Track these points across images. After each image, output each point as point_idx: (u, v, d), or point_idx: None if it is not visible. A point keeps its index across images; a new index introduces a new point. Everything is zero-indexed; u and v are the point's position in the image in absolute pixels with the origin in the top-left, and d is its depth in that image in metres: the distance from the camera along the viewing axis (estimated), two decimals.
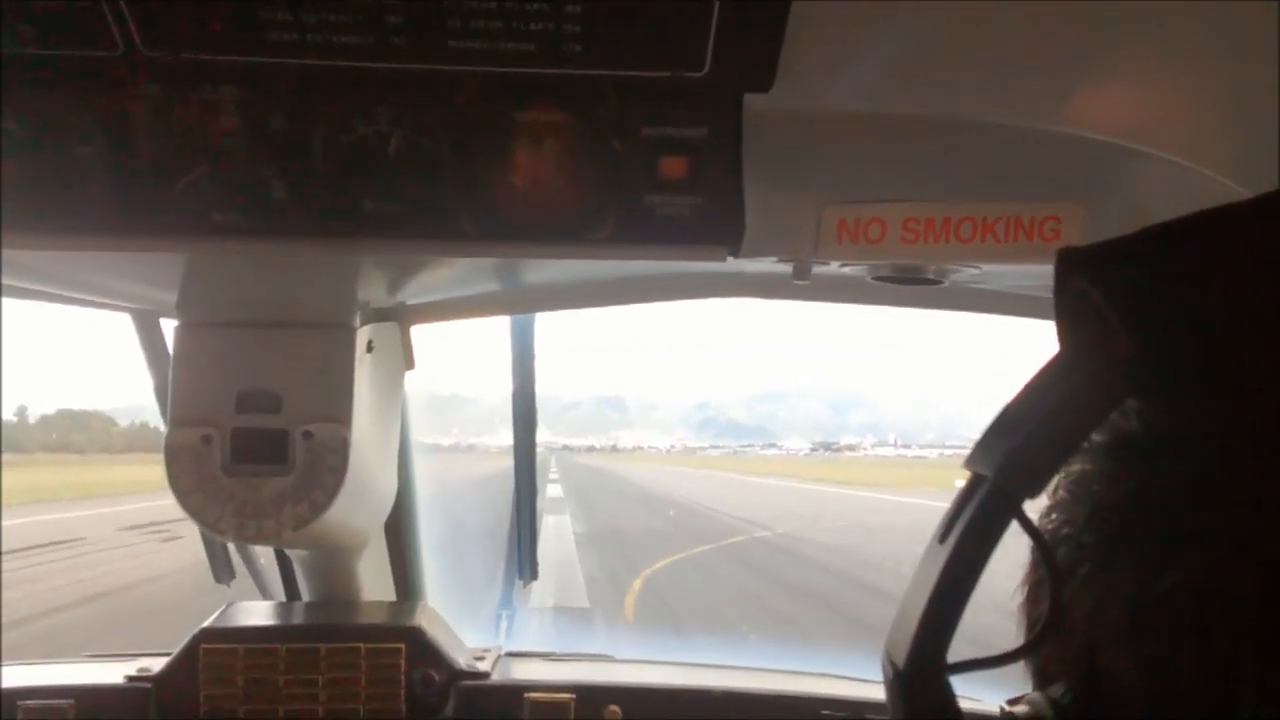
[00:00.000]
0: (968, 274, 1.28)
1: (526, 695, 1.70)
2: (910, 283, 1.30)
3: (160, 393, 1.75)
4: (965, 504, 0.52)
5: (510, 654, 1.89)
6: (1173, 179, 1.10)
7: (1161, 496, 0.49)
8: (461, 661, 1.72)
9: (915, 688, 0.51)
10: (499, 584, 2.34)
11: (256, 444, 1.38)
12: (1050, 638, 0.52)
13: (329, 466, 1.38)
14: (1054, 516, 0.54)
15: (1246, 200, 0.51)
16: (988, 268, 1.24)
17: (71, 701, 1.64)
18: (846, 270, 1.29)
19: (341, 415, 1.39)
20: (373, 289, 1.44)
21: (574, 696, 1.71)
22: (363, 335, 1.44)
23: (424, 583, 1.99)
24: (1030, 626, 0.56)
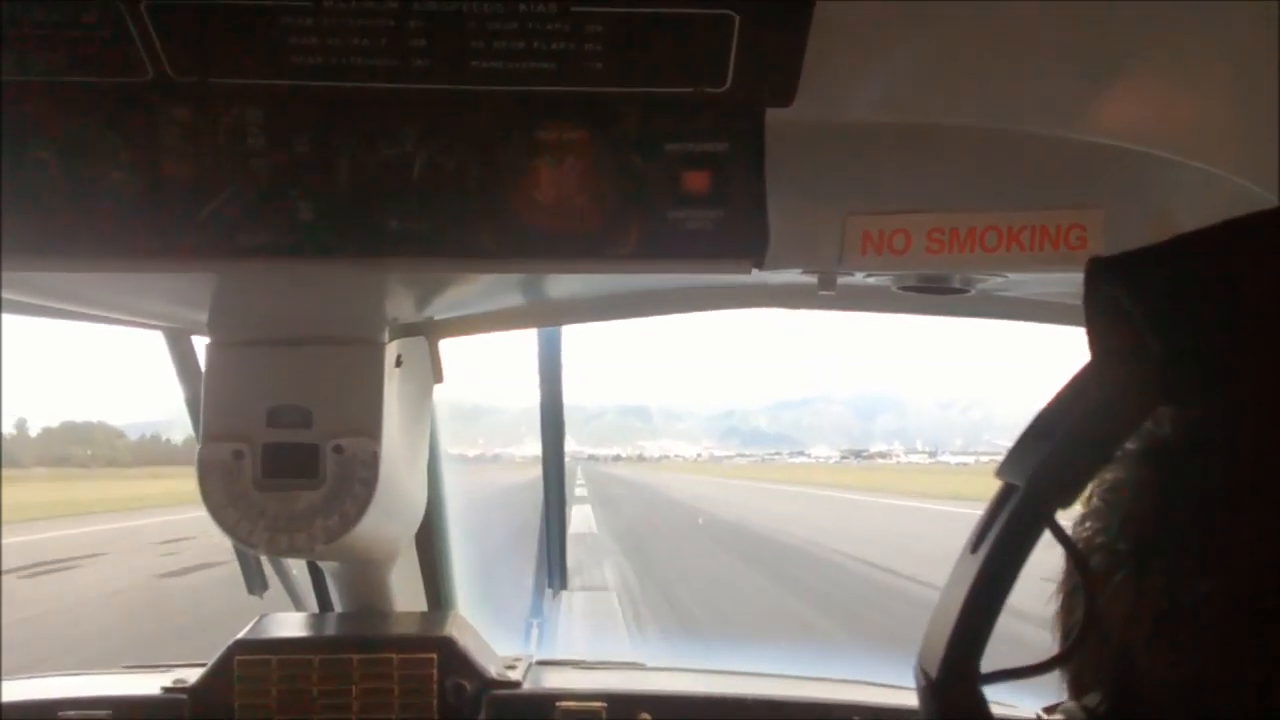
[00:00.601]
0: (994, 282, 1.28)
1: (558, 704, 1.71)
2: (936, 292, 1.30)
3: (192, 409, 1.78)
4: (997, 514, 0.52)
5: (541, 662, 1.89)
6: (1196, 184, 1.10)
7: (1194, 503, 0.49)
8: (493, 670, 1.73)
9: (948, 697, 0.51)
10: (529, 593, 2.35)
11: (287, 459, 1.39)
12: (1085, 646, 0.52)
13: (360, 479, 1.39)
14: (1088, 525, 0.54)
15: (1276, 208, 0.52)
16: (1014, 276, 1.24)
17: (109, 712, 1.66)
18: (871, 280, 1.29)
19: (371, 429, 1.40)
20: (400, 305, 1.46)
21: (605, 705, 1.71)
22: (391, 350, 1.45)
23: (455, 592, 2.00)
24: (1065, 635, 0.56)
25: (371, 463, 1.39)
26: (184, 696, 1.67)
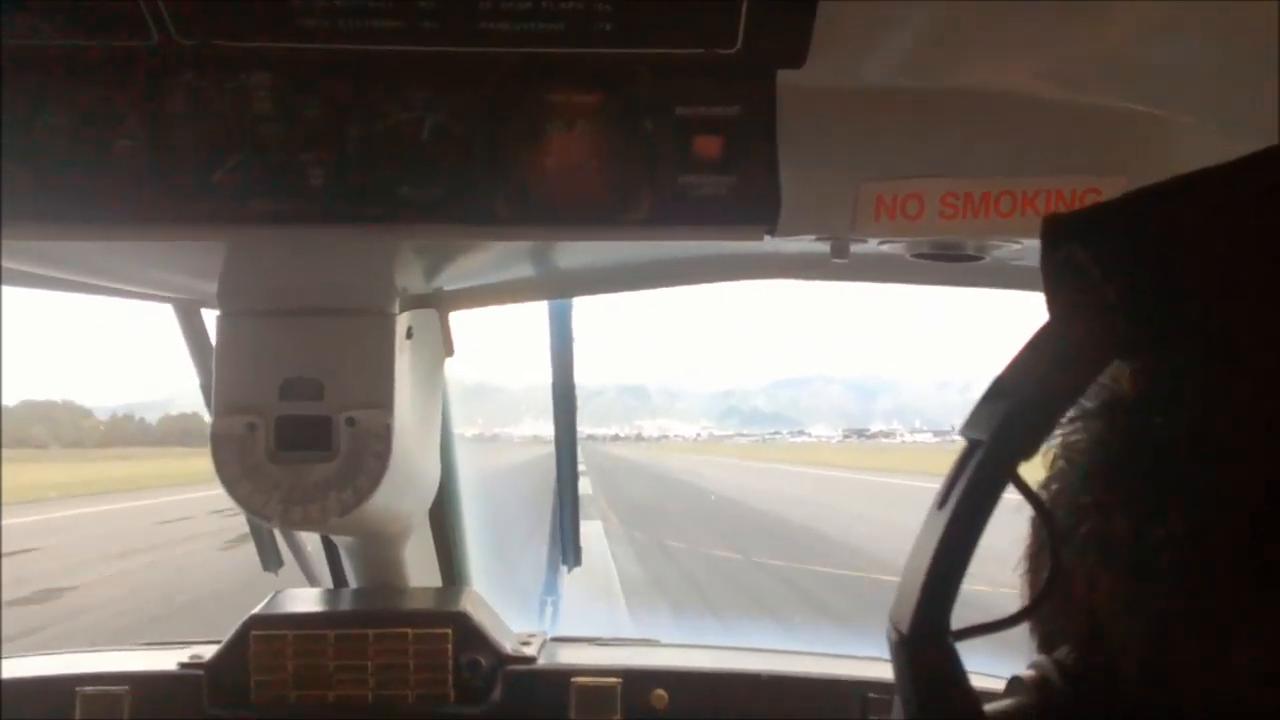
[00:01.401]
0: (1008, 250, 1.27)
1: (573, 680, 1.72)
2: (949, 259, 1.30)
3: (204, 383, 1.78)
4: (962, 470, 0.53)
5: (556, 639, 1.90)
6: (1215, 149, 1.09)
7: (1151, 451, 0.50)
8: (508, 646, 1.74)
9: (920, 653, 0.52)
10: (542, 571, 2.35)
11: (300, 431, 1.39)
12: (1052, 600, 0.53)
13: (373, 452, 1.39)
14: (1053, 487, 0.55)
15: (1233, 161, 0.52)
16: (1028, 243, 1.24)
17: (127, 688, 1.67)
18: (885, 248, 1.29)
19: (383, 401, 1.40)
20: (411, 275, 1.46)
21: (620, 681, 1.72)
22: (402, 322, 1.45)
23: (469, 568, 2.01)
24: (1032, 595, 0.57)
25: (384, 435, 1.39)
26: (200, 672, 1.68)
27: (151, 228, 1.06)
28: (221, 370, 1.41)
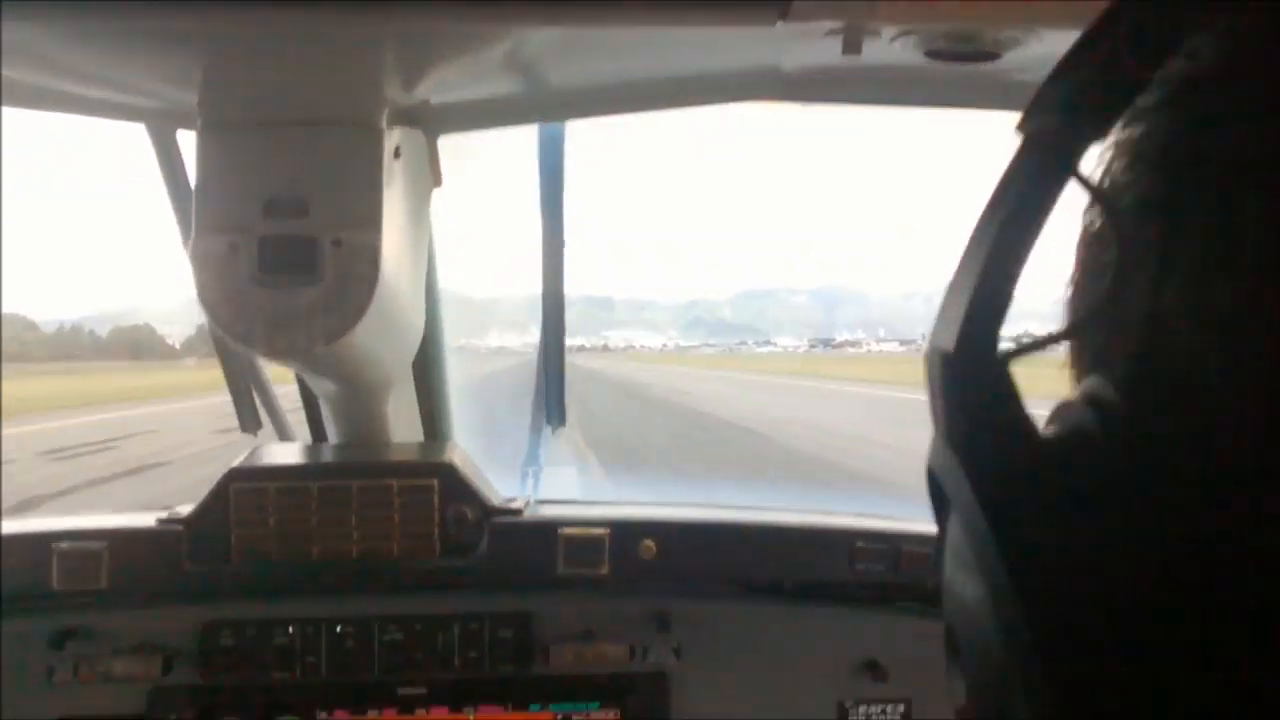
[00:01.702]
0: (1027, 51, 1.21)
1: (560, 531, 1.68)
2: (964, 59, 1.23)
3: (179, 206, 1.71)
4: (1018, 165, 0.46)
5: (541, 501, 1.86)
6: None
7: (1235, 125, 0.42)
8: (494, 500, 1.70)
9: (970, 370, 0.44)
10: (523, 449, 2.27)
11: (285, 253, 1.32)
12: (1109, 312, 0.46)
13: (360, 275, 1.32)
14: (1105, 184, 0.48)
15: None
16: (1047, 35, 1.17)
17: (105, 544, 1.61)
18: (896, 47, 1.21)
19: (371, 221, 1.33)
20: (396, 84, 1.37)
21: (609, 531, 1.68)
22: (390, 139, 1.37)
23: (452, 426, 1.96)
24: (1085, 310, 0.50)
25: (372, 258, 1.32)
26: (179, 527, 1.63)
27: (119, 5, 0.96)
28: (202, 187, 1.33)
